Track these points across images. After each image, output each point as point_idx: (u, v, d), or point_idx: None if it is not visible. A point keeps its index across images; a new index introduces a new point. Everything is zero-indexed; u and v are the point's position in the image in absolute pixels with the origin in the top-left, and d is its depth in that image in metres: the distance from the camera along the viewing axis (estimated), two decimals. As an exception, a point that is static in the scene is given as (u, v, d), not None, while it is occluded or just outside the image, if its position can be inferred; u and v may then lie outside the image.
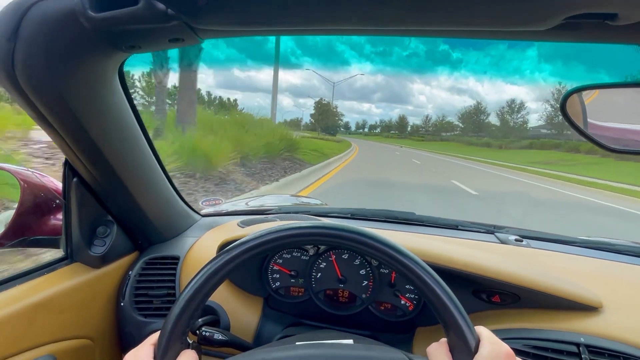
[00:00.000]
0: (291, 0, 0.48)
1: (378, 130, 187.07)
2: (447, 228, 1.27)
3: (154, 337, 0.58)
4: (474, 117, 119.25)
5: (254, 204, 1.55)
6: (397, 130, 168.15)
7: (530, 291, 0.85)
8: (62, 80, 0.64)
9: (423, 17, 0.49)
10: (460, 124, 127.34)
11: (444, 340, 0.56)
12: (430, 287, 0.55)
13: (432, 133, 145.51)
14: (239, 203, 1.53)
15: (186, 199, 1.22)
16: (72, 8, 0.54)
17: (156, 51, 0.65)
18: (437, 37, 0.55)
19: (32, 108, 0.67)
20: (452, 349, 0.54)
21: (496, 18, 0.47)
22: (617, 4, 0.42)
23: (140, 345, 0.58)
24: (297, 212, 1.38)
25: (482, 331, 0.54)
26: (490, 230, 1.25)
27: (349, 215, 1.36)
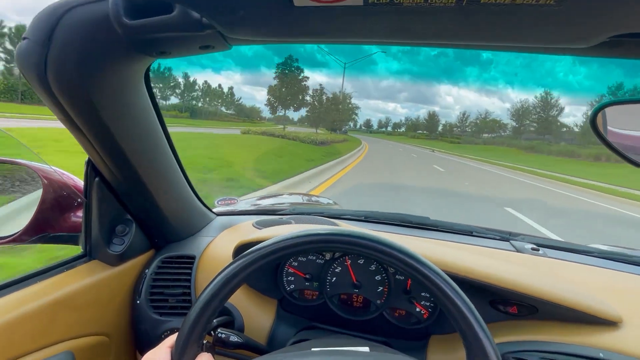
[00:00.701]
0: (329, 15, 0.47)
1: (403, 129, 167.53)
2: (461, 234, 1.26)
3: (172, 340, 0.59)
4: (540, 113, 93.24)
5: (268, 203, 1.55)
6: (425, 130, 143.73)
7: (549, 304, 0.85)
8: (91, 83, 0.64)
9: (466, 33, 0.49)
10: (514, 123, 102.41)
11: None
12: (452, 300, 0.54)
13: (471, 134, 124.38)
14: (253, 202, 1.53)
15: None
16: (107, 14, 0.54)
17: (185, 57, 0.65)
18: (479, 50, 0.55)
19: (60, 110, 0.68)
20: None
21: (541, 36, 0.47)
22: None
23: (157, 347, 0.59)
24: (310, 214, 1.38)
25: None
26: (505, 237, 1.24)
27: (362, 218, 1.35)
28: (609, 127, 0.65)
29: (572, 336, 0.82)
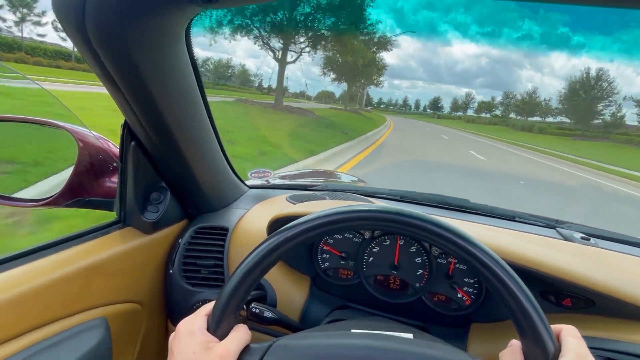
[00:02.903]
0: None
1: (460, 113, 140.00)
2: (503, 219, 1.19)
3: (207, 308, 0.57)
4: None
5: (300, 178, 1.52)
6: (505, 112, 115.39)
7: (608, 298, 0.78)
8: (132, 32, 0.60)
9: None
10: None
11: (517, 345, 0.52)
12: (510, 289, 0.50)
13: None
14: (285, 176, 1.50)
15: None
16: None
17: (231, 7, 0.59)
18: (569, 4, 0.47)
19: (97, 63, 0.64)
20: (527, 356, 0.50)
21: None
22: None
23: (193, 314, 0.57)
24: (344, 191, 1.34)
25: (567, 342, 0.49)
26: (551, 224, 1.17)
27: (398, 198, 1.30)
28: None
29: (630, 334, 0.76)
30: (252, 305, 0.80)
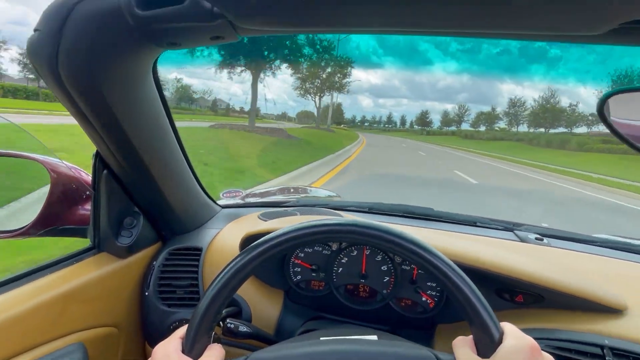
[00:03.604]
0: (342, 4, 0.47)
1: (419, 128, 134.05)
2: (465, 224, 1.27)
3: (182, 331, 0.59)
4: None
5: (272, 195, 1.56)
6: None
7: (555, 292, 0.85)
8: (102, 74, 0.65)
9: (474, 20, 0.49)
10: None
11: (470, 336, 0.57)
12: (456, 284, 0.55)
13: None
14: (257, 194, 1.54)
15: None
16: (118, 5, 0.54)
17: (194, 47, 0.65)
18: (487, 38, 0.55)
19: (70, 101, 0.68)
20: (476, 343, 0.54)
21: (552, 24, 0.47)
22: None
23: (168, 339, 0.59)
24: (315, 205, 1.39)
25: (506, 326, 0.55)
26: (509, 227, 1.25)
27: (366, 210, 1.36)
28: (616, 117, 0.65)
29: (578, 324, 0.83)
30: (227, 321, 0.83)
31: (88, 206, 0.96)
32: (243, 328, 0.84)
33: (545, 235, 1.19)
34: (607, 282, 0.91)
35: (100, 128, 0.75)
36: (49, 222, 0.91)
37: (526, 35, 0.53)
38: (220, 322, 0.83)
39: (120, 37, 0.60)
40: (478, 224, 1.27)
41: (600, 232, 1.26)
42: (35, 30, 0.59)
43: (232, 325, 0.83)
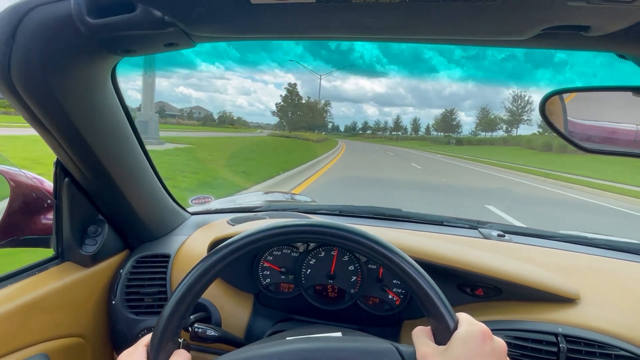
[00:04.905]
0: (283, 12, 0.49)
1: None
2: (433, 224, 1.30)
3: (147, 338, 0.59)
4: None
5: (243, 201, 1.56)
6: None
7: (512, 284, 0.89)
8: (56, 82, 0.65)
9: (411, 27, 0.52)
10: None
11: (428, 327, 0.59)
12: (412, 277, 0.57)
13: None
14: (228, 201, 1.54)
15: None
16: (70, 14, 0.55)
17: (149, 54, 0.66)
18: (421, 43, 0.58)
19: (26, 109, 0.68)
20: (434, 332, 0.57)
21: (480, 30, 0.50)
22: (589, 17, 0.44)
23: (133, 347, 0.59)
24: (285, 210, 1.40)
25: (461, 315, 0.57)
26: (474, 225, 1.29)
27: (337, 212, 1.38)
28: (558, 113, 0.70)
29: (534, 314, 0.87)
30: (195, 325, 0.83)
31: (50, 215, 0.95)
32: (211, 332, 0.84)
33: (508, 232, 1.24)
34: (563, 273, 0.96)
35: (59, 136, 0.75)
36: (9, 233, 0.90)
37: (460, 40, 0.56)
38: (189, 328, 0.82)
39: (74, 45, 0.60)
40: (445, 223, 1.30)
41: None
42: None
43: (200, 330, 0.83)
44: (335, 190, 8.73)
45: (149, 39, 0.59)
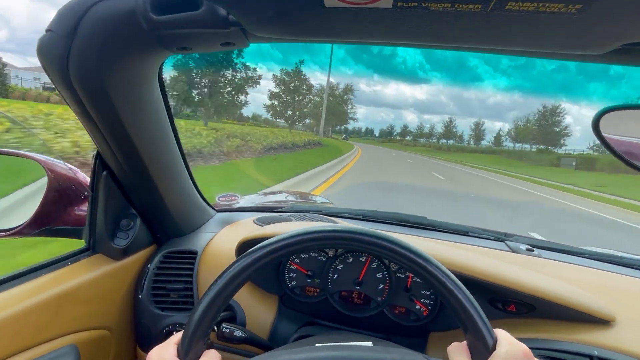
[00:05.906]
0: (356, 16, 0.49)
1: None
2: (457, 234, 1.28)
3: (178, 337, 0.59)
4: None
5: (267, 200, 1.56)
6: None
7: (547, 302, 0.87)
8: (110, 75, 0.65)
9: (488, 37, 0.50)
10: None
11: (464, 342, 0.58)
12: (451, 291, 0.57)
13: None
14: (253, 199, 1.54)
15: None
16: (133, 9, 0.55)
17: (203, 52, 0.66)
18: (489, 53, 0.57)
19: (76, 102, 0.68)
20: (471, 349, 0.56)
21: (559, 43, 0.49)
22: None
23: (164, 344, 0.59)
24: (309, 212, 1.39)
25: (500, 332, 0.56)
26: (500, 238, 1.27)
27: (360, 217, 1.37)
28: (610, 134, 0.68)
29: (568, 334, 0.85)
30: (222, 325, 0.83)
31: (84, 207, 0.95)
32: (238, 333, 0.83)
33: (536, 246, 1.21)
34: (596, 293, 0.93)
35: (104, 129, 0.76)
36: (44, 222, 0.90)
37: (534, 53, 0.55)
38: (215, 327, 0.82)
39: (132, 40, 0.61)
40: (470, 233, 1.28)
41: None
42: (47, 30, 0.59)
43: (227, 330, 0.83)
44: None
45: (207, 38, 0.59)
